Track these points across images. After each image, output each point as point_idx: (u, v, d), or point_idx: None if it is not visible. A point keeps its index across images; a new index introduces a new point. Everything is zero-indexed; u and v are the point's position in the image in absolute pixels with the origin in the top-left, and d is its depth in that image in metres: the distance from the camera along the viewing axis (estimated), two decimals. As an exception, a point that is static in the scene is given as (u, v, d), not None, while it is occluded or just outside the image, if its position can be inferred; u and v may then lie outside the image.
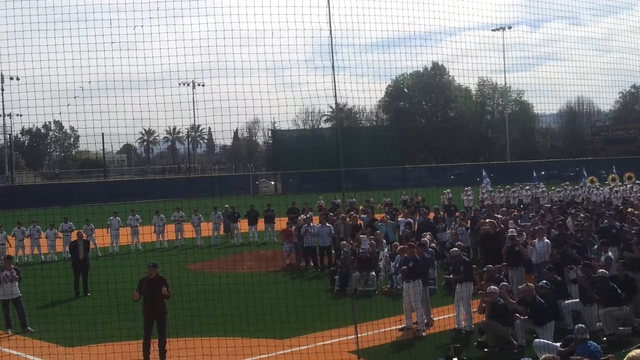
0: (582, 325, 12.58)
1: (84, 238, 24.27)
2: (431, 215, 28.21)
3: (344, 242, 22.02)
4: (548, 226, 22.70)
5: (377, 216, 30.10)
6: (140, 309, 15.15)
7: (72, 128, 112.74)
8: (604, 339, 14.94)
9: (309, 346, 15.49)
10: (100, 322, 17.50)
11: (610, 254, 18.19)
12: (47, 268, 23.56)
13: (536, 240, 19.55)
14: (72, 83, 17.01)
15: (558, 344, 12.99)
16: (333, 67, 14.73)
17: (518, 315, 14.94)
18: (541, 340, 13.52)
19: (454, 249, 18.25)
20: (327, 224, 26.67)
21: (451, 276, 17.94)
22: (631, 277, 16.43)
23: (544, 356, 10.54)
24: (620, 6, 30.31)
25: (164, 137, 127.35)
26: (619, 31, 29.66)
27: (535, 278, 17.96)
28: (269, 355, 15.05)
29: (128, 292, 16.74)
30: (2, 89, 76.09)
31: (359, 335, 14.57)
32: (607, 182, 43.05)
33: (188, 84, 70.19)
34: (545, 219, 24.86)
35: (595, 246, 19.49)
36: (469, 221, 27.22)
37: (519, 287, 16.23)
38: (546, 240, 19.51)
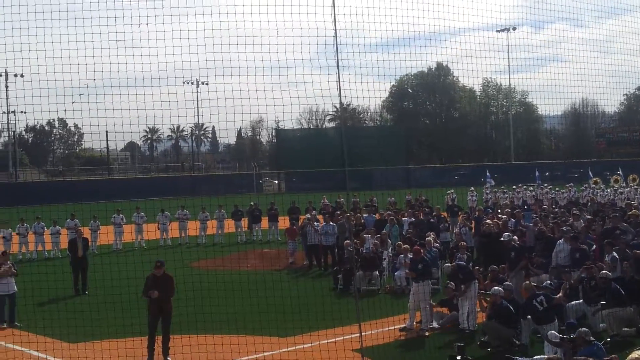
0: (586, 329, 12.53)
1: (83, 235, 24.10)
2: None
3: (348, 241, 22.00)
4: (552, 227, 22.60)
5: (378, 216, 29.91)
6: (145, 305, 15.19)
7: (76, 125, 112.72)
8: (608, 339, 14.90)
9: (312, 344, 15.51)
10: (105, 319, 17.56)
11: (615, 254, 18.16)
12: (50, 265, 23.55)
13: (562, 241, 19.46)
14: (77, 80, 17.03)
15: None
16: (338, 66, 14.67)
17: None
18: (554, 332, 13.39)
19: (447, 264, 18.36)
20: (331, 223, 26.65)
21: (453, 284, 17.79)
22: (637, 279, 16.41)
23: (549, 356, 10.51)
24: (622, 8, 30.23)
25: (168, 135, 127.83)
26: (621, 33, 29.59)
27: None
28: (273, 352, 15.07)
29: (131, 289, 16.78)
30: (7, 86, 76.45)
31: (363, 333, 14.56)
32: (611, 184, 42.92)
33: (192, 83, 70.40)
34: (548, 219, 24.77)
35: (594, 247, 19.48)
36: (473, 222, 27.17)
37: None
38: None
